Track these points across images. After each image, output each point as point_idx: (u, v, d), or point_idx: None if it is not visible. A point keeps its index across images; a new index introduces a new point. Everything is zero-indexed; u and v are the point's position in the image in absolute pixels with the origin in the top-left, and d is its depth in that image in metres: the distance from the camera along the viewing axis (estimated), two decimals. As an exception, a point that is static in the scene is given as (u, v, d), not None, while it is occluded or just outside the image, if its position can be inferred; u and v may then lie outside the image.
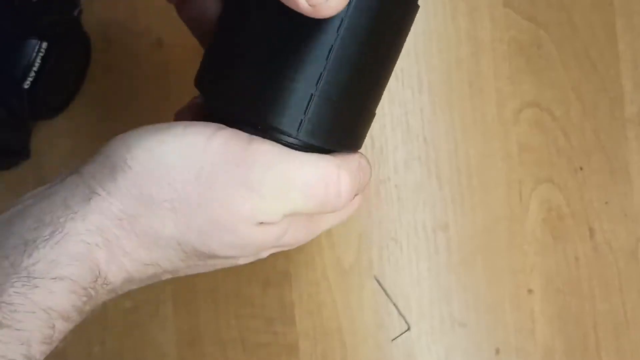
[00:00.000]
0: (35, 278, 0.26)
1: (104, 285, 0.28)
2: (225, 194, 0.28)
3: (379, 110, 0.32)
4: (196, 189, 0.27)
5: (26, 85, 0.41)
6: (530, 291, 0.51)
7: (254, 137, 0.28)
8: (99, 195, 0.27)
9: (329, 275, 0.49)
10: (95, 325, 0.49)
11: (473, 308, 0.51)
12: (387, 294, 0.50)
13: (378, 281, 0.50)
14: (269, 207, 0.28)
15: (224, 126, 0.29)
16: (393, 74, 0.32)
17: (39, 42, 0.41)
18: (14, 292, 0.25)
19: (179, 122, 0.29)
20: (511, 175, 0.51)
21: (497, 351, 0.51)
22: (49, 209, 0.27)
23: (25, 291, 0.25)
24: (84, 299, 0.27)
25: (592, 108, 0.52)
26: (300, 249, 0.49)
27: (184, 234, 0.28)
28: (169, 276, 0.31)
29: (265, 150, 0.28)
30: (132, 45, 0.48)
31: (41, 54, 0.41)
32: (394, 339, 0.50)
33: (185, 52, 0.48)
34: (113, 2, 0.46)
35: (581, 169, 0.52)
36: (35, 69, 0.41)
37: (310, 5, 0.25)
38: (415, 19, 0.30)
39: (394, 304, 0.50)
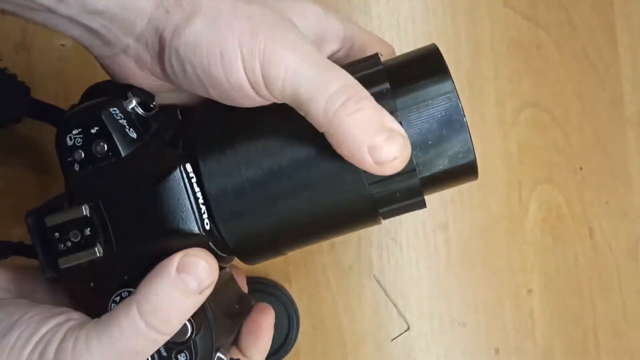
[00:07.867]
0: None
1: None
2: None
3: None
4: None
5: None
6: (529, 291, 0.51)
7: None
8: None
9: (329, 275, 0.49)
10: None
11: (472, 308, 0.51)
12: (386, 294, 0.50)
13: (378, 281, 0.50)
14: None
15: None
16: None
17: None
18: None
19: None
20: (511, 176, 0.51)
21: (497, 351, 0.51)
22: None
23: None
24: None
25: (592, 108, 0.52)
26: (300, 249, 0.49)
27: None
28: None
29: None
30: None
31: None
32: (393, 339, 0.50)
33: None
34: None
35: (581, 169, 0.52)
36: None
37: (375, 163, 0.25)
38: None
39: (394, 304, 0.50)
